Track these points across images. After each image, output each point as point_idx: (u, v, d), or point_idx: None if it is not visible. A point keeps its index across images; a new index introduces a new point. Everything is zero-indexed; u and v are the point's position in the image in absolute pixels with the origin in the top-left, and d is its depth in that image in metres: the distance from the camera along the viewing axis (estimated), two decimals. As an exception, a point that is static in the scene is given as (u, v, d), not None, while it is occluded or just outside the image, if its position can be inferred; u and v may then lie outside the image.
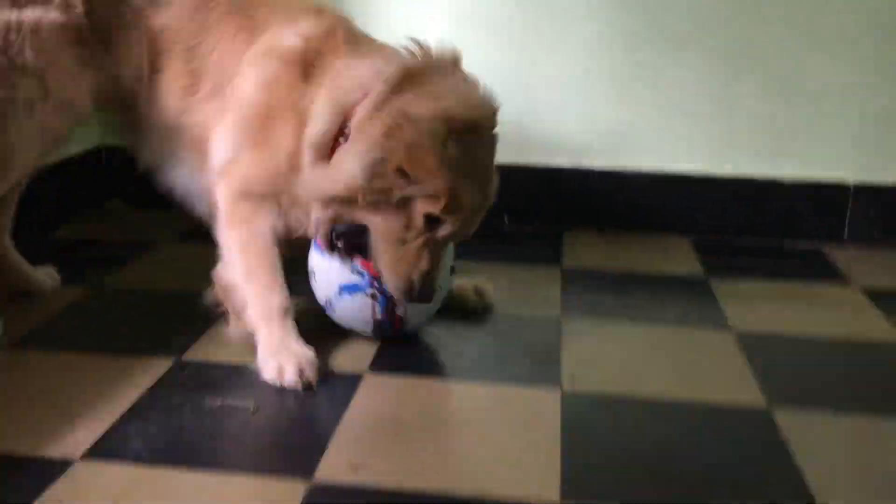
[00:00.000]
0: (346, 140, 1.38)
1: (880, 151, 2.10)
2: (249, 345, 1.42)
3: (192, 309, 1.59)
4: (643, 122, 2.14)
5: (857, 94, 2.06)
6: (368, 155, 1.31)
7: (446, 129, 1.31)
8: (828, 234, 2.15)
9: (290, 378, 1.36)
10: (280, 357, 1.38)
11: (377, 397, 1.36)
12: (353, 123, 1.37)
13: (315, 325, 1.60)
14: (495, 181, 1.43)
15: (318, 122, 1.40)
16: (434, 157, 1.30)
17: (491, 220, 1.47)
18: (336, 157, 1.38)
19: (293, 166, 1.42)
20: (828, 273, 1.98)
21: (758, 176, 2.14)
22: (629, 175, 2.17)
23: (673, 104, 2.12)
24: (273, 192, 1.45)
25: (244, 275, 1.44)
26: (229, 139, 1.47)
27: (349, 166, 1.34)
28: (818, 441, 1.26)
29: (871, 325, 1.70)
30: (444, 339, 1.58)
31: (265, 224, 1.46)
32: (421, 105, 1.33)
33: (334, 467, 1.15)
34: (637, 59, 2.10)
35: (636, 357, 1.53)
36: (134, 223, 2.12)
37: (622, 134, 2.16)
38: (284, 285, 1.44)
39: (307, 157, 1.41)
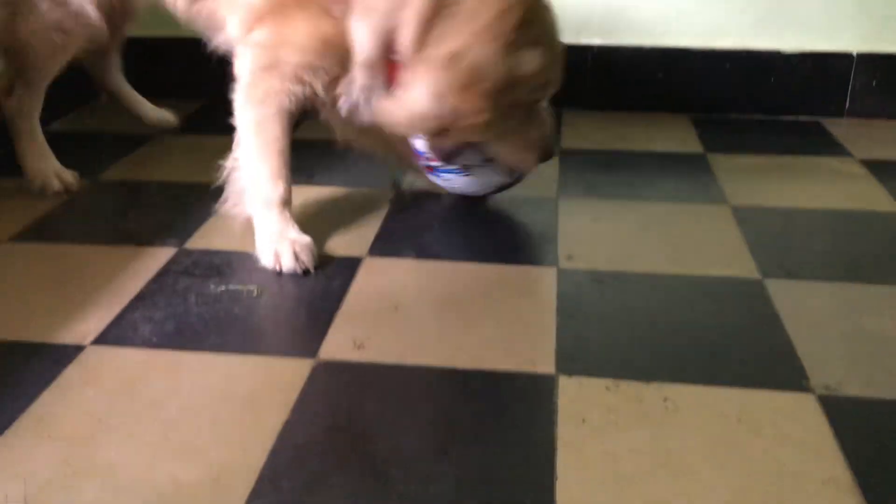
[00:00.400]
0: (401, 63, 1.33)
1: (886, 19, 2.04)
2: (250, 232, 1.44)
3: (191, 199, 1.60)
4: (642, -5, 2.09)
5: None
6: (437, 109, 1.29)
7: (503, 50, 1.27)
8: (829, 106, 2.12)
9: (287, 263, 1.38)
10: (277, 244, 1.40)
11: (376, 279, 1.38)
12: (403, 52, 1.31)
13: (315, 211, 1.62)
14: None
15: (364, 49, 1.34)
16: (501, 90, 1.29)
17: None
18: (401, 93, 1.34)
19: (333, 45, 1.35)
20: (828, 146, 1.97)
21: (759, 48, 2.09)
22: (628, 52, 2.13)
23: (673, -25, 2.06)
24: (302, 68, 1.37)
25: (252, 157, 1.42)
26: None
27: (417, 112, 1.32)
28: (810, 310, 1.28)
29: (869, 196, 1.70)
30: (443, 220, 1.59)
31: (284, 105, 1.40)
32: (463, 33, 1.27)
33: (338, 345, 1.19)
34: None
35: (631, 234, 1.54)
36: (128, 116, 2.10)
37: (620, 9, 2.10)
38: (289, 174, 1.43)
39: (360, 76, 1.37)
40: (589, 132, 2.06)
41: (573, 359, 1.16)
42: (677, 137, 2.03)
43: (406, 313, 1.28)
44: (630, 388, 1.09)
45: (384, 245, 1.49)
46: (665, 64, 2.13)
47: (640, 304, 1.31)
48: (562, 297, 1.31)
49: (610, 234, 1.54)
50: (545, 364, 1.14)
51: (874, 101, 2.10)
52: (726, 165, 1.85)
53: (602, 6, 2.10)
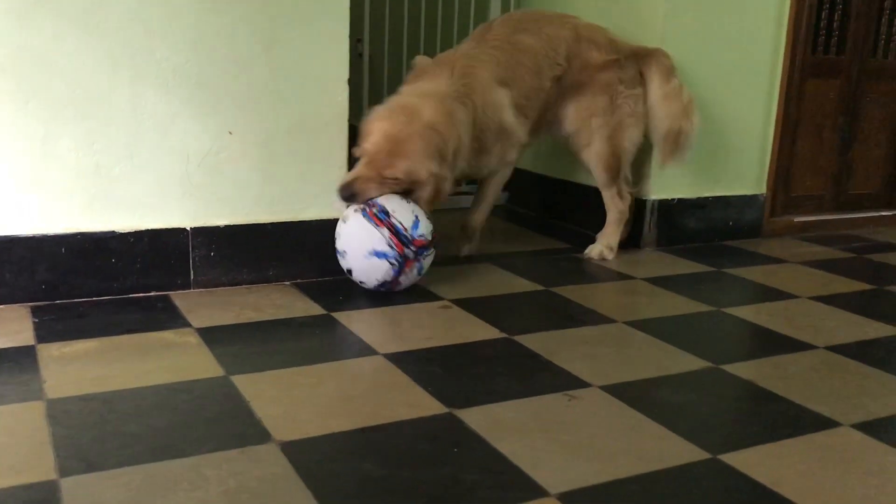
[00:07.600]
0: None
1: (209, 198, 2.22)
2: None
3: None
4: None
5: (179, 139, 2.15)
6: None
7: None
8: (176, 279, 2.20)
9: None
10: None
11: None
12: None
13: None
14: None
15: None
16: None
17: None
18: None
19: None
20: (171, 319, 2.02)
21: (93, 230, 2.09)
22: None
23: None
24: None
25: None
26: None
27: None
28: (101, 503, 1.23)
29: (195, 365, 1.76)
30: None
31: None
32: None
33: None
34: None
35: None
36: None
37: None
38: None
39: None
40: None
41: None
42: (10, 332, 1.88)
43: None
44: None
45: None
46: (-6, 254, 1.99)
47: None
48: None
49: None
50: None
51: (215, 271, 2.24)
52: (58, 355, 1.77)
53: None
